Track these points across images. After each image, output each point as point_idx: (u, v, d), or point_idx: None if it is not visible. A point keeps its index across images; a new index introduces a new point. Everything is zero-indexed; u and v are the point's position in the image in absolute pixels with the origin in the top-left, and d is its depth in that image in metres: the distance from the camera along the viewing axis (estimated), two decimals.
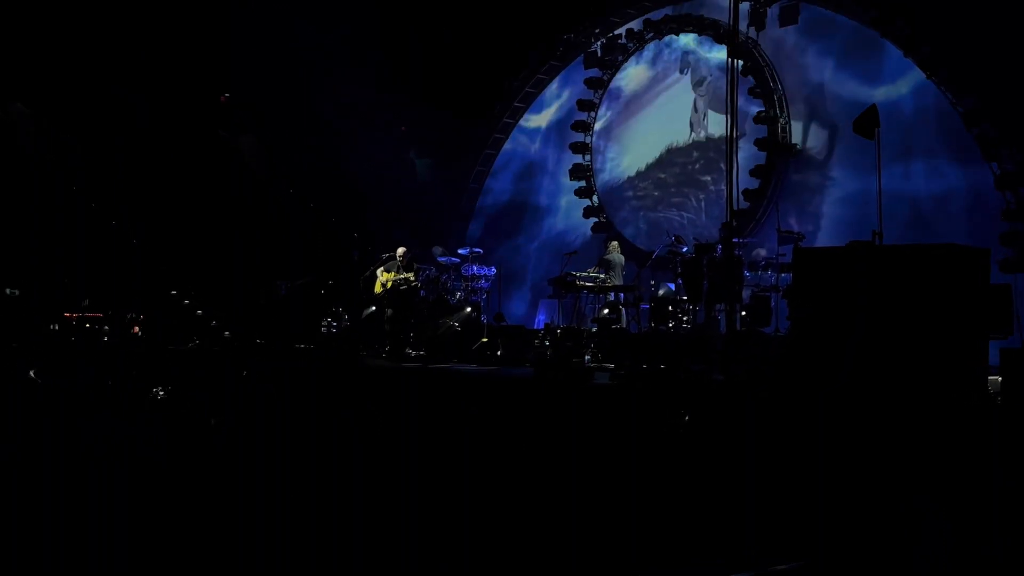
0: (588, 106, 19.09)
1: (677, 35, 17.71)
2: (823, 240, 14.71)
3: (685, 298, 13.35)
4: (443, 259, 17.06)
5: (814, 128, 15.80)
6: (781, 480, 6.75)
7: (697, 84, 17.55)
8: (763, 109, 16.02)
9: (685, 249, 13.91)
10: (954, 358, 7.38)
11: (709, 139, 17.29)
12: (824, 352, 7.77)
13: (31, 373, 10.79)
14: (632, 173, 18.62)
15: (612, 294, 14.51)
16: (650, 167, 18.30)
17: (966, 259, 7.82)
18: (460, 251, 16.69)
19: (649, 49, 18.35)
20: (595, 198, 18.95)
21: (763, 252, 13.91)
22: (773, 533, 6.34)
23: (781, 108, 15.99)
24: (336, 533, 6.33)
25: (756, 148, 15.91)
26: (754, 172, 15.92)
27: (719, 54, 16.69)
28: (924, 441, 6.58)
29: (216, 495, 6.79)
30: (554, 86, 20.08)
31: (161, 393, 9.86)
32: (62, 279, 15.83)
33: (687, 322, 13.19)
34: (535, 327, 16.14)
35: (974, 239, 11.79)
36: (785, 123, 15.96)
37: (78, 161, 16.65)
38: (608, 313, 13.92)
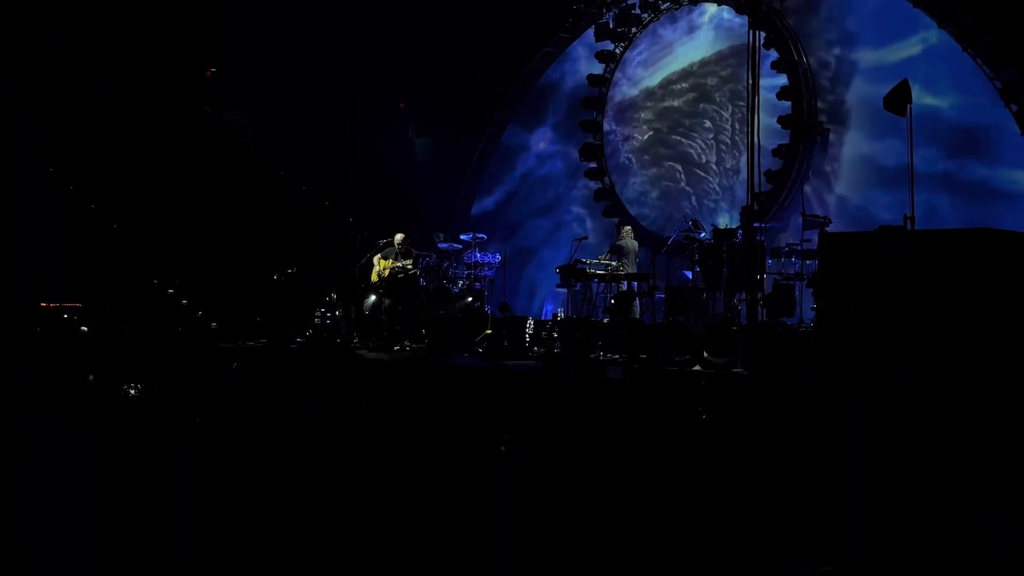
0: (599, 82, 19.02)
1: (695, 4, 17.65)
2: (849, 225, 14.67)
3: (703, 287, 13.34)
4: (444, 245, 17.02)
5: (841, 105, 15.75)
6: (807, 481, 6.75)
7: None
8: (787, 84, 15.96)
9: (703, 234, 13.87)
10: (992, 349, 7.36)
11: (735, 110, 17.25)
12: (853, 344, 7.76)
13: None
14: (646, 153, 18.57)
15: (625, 282, 14.48)
16: (667, 146, 18.26)
17: (1004, 244, 7.80)
18: (463, 237, 16.66)
19: (665, 20, 18.28)
20: (607, 179, 18.91)
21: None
22: (798, 537, 6.35)
23: (807, 83, 15.92)
24: (320, 540, 6.36)
25: (780, 126, 15.87)
26: (777, 152, 15.87)
27: (741, 24, 16.64)
28: (960, 436, 6.57)
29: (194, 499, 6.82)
30: (561, 60, 20.00)
31: (134, 391, 9.87)
32: (38, 266, 15.82)
33: (705, 312, 13.17)
34: (543, 318, 16.14)
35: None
36: (811, 99, 15.89)
37: (54, 141, 16.64)
38: (620, 303, 13.90)
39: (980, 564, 5.50)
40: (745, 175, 11.69)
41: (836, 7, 15.74)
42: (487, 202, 20.79)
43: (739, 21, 16.74)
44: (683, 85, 18.00)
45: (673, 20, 18.18)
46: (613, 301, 13.92)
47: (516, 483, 7.06)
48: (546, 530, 6.27)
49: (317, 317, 15.93)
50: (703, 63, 17.66)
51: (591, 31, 19.13)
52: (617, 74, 18.94)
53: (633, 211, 18.34)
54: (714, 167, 17.45)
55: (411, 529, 6.38)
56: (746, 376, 9.67)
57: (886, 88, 10.90)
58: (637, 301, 14.23)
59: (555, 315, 15.55)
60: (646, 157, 18.54)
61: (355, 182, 18.78)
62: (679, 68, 18.08)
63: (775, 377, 9.10)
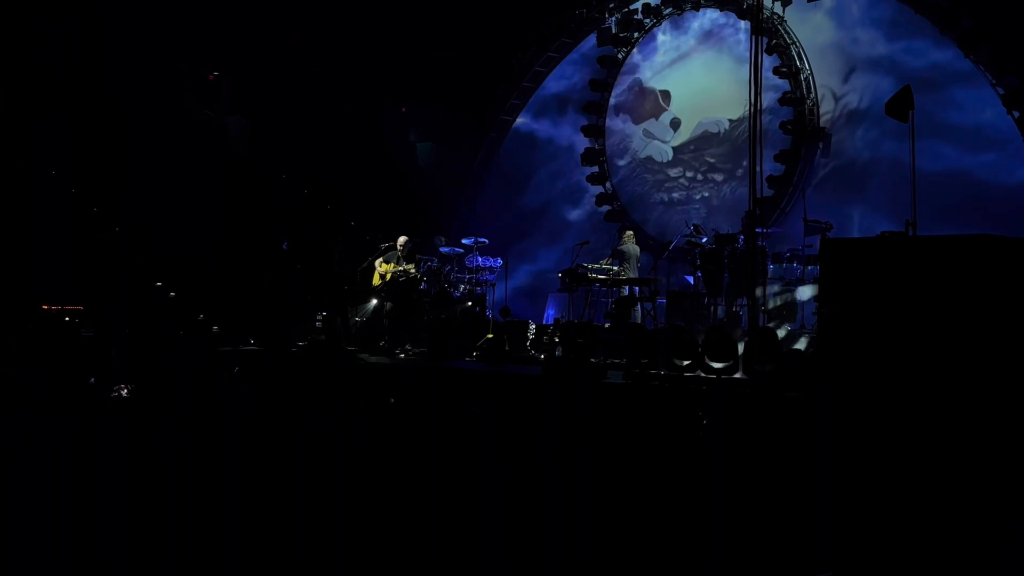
0: (601, 86, 19.04)
1: (697, 10, 17.67)
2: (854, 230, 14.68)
3: (704, 292, 13.34)
4: (446, 249, 17.03)
5: (842, 110, 15.77)
6: (807, 488, 6.74)
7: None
8: (789, 90, 16.00)
9: (705, 240, 13.88)
10: (995, 358, 7.34)
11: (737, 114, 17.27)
12: (854, 350, 7.74)
13: None
14: (648, 157, 18.58)
15: (627, 287, 14.49)
16: (667, 151, 18.27)
17: (1007, 251, 7.78)
18: (464, 241, 16.67)
19: (667, 25, 18.30)
20: (608, 184, 18.92)
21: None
22: (797, 544, 6.34)
23: (808, 89, 15.95)
24: (325, 542, 6.36)
25: (782, 132, 15.90)
26: (779, 157, 15.90)
27: (743, 29, 16.67)
28: (960, 441, 6.56)
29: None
30: (564, 65, 20.01)
31: (124, 391, 9.85)
32: (38, 268, 15.83)
33: (706, 318, 13.18)
34: (544, 322, 16.14)
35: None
36: (812, 105, 15.93)
37: (56, 143, 16.65)
38: (622, 307, 13.89)
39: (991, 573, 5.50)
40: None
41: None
42: (488, 205, 20.78)
43: (741, 26, 16.77)
44: (684, 90, 18.02)
45: (675, 25, 18.20)
46: (614, 306, 13.92)
47: (517, 486, 7.05)
48: (547, 533, 6.27)
49: (318, 320, 15.94)
50: (704, 68, 17.67)
51: (594, 36, 19.16)
52: (619, 78, 18.95)
53: (634, 216, 18.35)
54: (717, 171, 17.46)
55: (410, 529, 6.38)
56: (747, 381, 9.67)
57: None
58: (638, 306, 14.24)
59: (556, 319, 15.54)
60: (648, 162, 18.55)
61: (356, 185, 18.78)
62: (680, 72, 18.10)
63: (775, 382, 9.11)
